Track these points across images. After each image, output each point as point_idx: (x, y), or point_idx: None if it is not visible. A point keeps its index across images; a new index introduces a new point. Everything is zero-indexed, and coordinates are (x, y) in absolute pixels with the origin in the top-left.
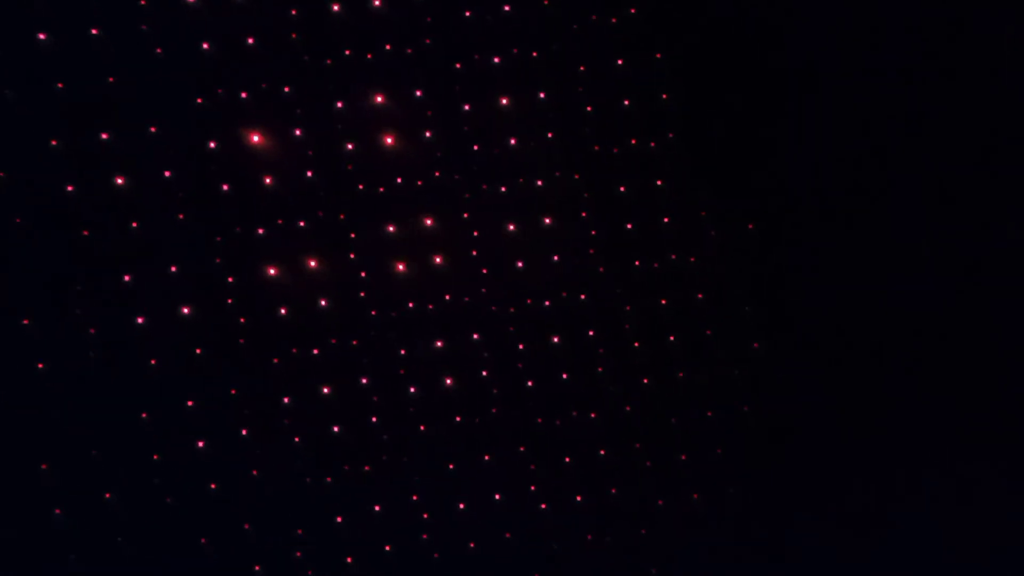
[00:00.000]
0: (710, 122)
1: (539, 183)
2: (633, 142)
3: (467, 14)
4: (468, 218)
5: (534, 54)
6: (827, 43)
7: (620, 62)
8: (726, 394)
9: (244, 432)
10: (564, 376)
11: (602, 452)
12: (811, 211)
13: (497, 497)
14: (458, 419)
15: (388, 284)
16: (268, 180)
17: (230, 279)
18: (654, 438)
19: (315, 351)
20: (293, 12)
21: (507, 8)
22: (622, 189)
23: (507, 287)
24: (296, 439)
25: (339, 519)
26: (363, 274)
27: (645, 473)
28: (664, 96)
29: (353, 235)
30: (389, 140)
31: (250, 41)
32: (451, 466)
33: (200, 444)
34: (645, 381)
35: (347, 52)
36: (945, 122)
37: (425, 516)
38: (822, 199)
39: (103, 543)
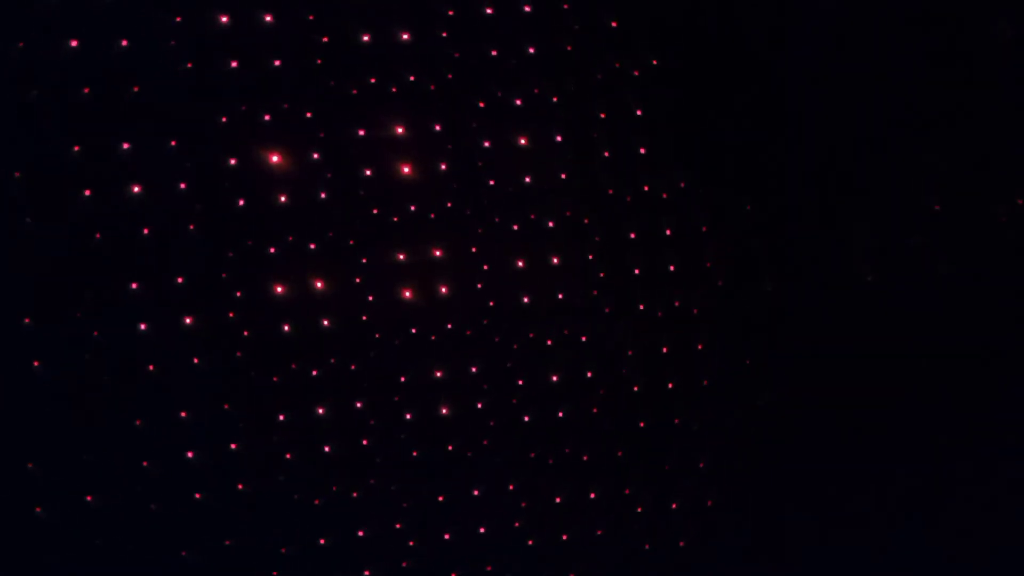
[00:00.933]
0: (723, 170)
1: (550, 223)
2: (646, 188)
3: (493, 53)
4: (477, 251)
5: (555, 99)
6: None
7: (639, 112)
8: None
9: (233, 446)
10: (560, 414)
11: (592, 495)
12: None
13: (482, 530)
14: (450, 448)
15: (392, 310)
16: (283, 198)
17: (237, 293)
18: (647, 483)
19: (314, 371)
20: (325, 39)
21: (531, 50)
22: (632, 235)
23: (510, 321)
24: (287, 455)
25: (322, 540)
26: (369, 298)
27: (635, 518)
28: (678, 143)
29: (363, 260)
30: (405, 169)
31: (276, 63)
32: (440, 497)
33: (189, 454)
34: (642, 425)
35: (372, 80)
36: (945, 122)
37: (410, 543)
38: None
39: (81, 546)
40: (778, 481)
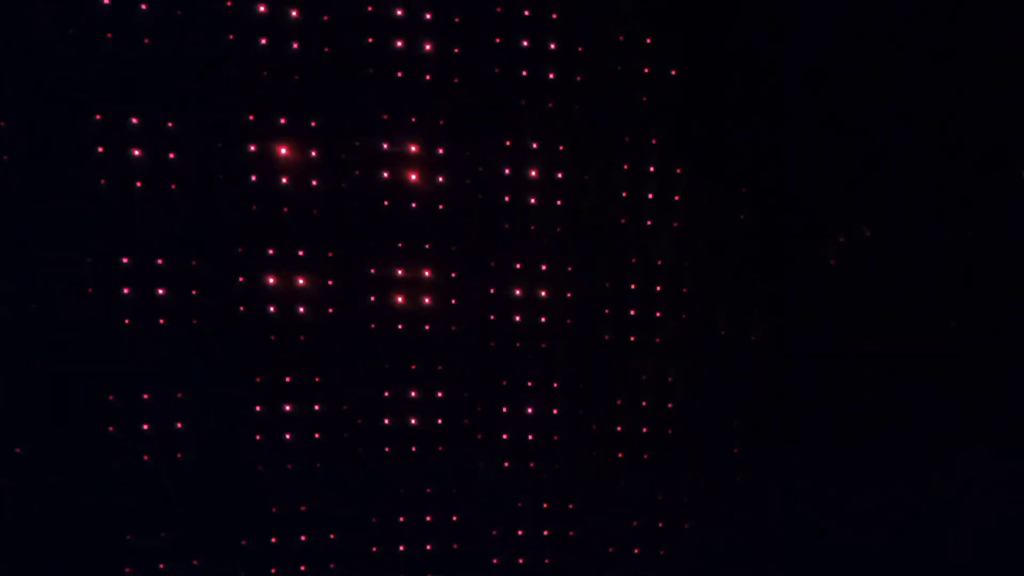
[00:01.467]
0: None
1: (548, 242)
2: (648, 223)
3: (494, 70)
4: (475, 267)
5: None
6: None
7: (654, 140)
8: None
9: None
10: (555, 437)
11: (570, 505)
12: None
13: (455, 546)
14: (437, 451)
15: (388, 321)
16: (285, 209)
17: (230, 289)
18: (639, 508)
19: (300, 372)
20: (371, 40)
21: (551, 75)
22: (633, 260)
23: (505, 341)
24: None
25: (303, 537)
26: (365, 302)
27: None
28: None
29: (360, 268)
30: (413, 177)
31: (296, 78)
32: (427, 518)
33: (173, 450)
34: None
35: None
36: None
37: (373, 549)
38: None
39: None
40: (777, 481)
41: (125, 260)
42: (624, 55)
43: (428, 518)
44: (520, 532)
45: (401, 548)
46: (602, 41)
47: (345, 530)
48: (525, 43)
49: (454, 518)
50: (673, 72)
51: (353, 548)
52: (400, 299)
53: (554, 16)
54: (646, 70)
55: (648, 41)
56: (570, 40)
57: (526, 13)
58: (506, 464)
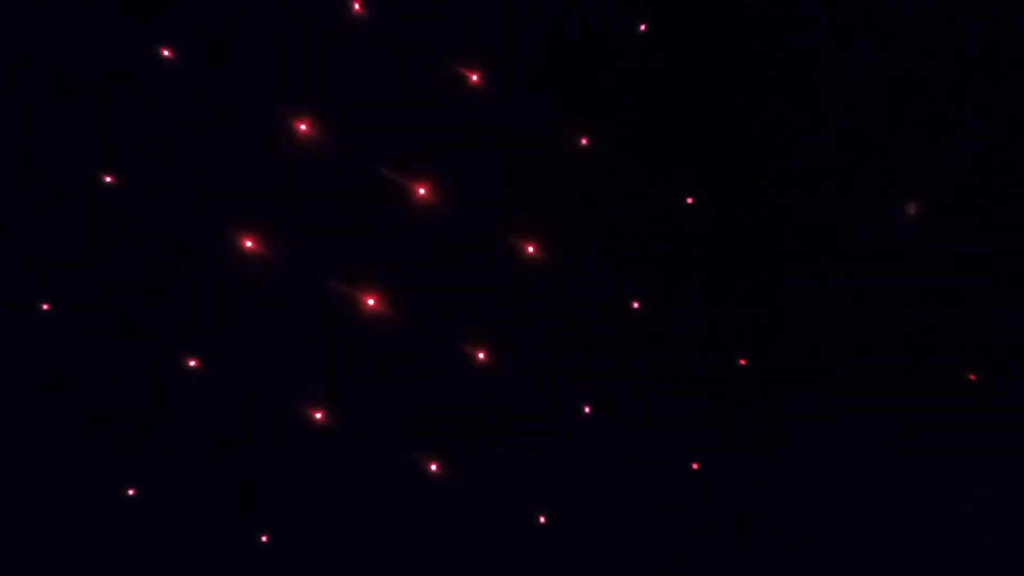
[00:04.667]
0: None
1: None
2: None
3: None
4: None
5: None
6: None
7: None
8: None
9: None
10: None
11: (542, 519)
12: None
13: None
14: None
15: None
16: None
17: (222, 280)
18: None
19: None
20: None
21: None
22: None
23: (497, 353)
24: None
25: (264, 538)
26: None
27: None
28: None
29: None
30: (421, 191)
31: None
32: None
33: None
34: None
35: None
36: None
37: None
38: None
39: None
40: (775, 481)
41: None
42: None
43: None
44: None
45: None
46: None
47: None
48: None
49: None
50: None
51: None
52: None
53: None
54: None
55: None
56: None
57: None
58: None
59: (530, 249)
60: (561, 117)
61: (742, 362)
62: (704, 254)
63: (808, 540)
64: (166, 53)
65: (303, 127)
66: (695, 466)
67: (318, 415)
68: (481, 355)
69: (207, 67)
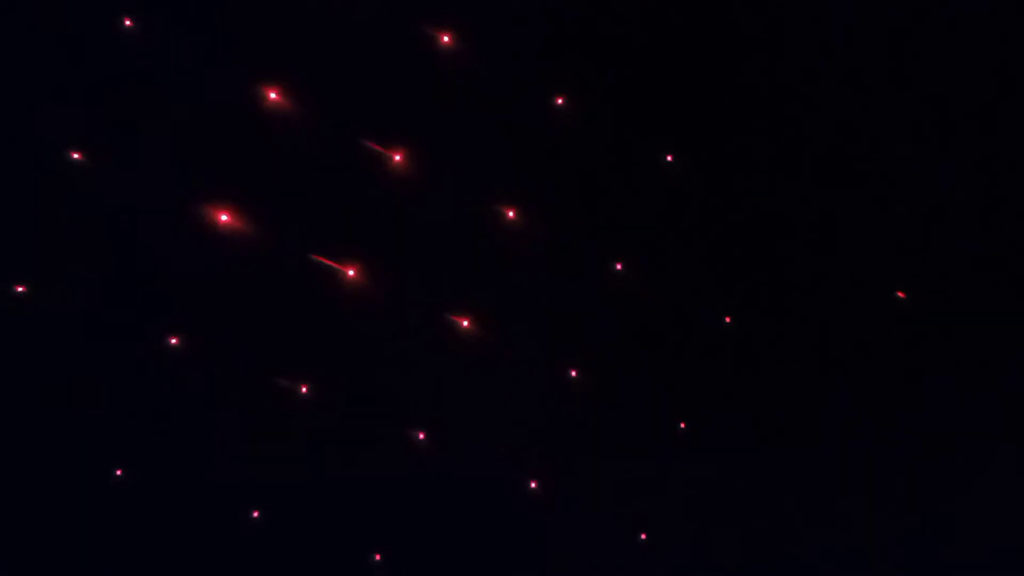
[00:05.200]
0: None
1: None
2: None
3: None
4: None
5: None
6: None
7: None
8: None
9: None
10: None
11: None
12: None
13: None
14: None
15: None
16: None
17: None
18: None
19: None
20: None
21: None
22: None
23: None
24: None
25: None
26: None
27: None
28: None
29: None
30: (397, 159)
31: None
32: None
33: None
34: None
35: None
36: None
37: None
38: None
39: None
40: (775, 481)
41: None
42: None
43: None
44: None
45: None
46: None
47: None
48: None
49: None
50: None
51: None
52: None
53: None
54: None
55: None
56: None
57: None
58: None
59: (510, 215)
60: (543, 81)
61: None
62: (692, 220)
63: (808, 539)
64: (128, 23)
65: (273, 96)
66: (683, 425)
67: (304, 390)
68: (465, 323)
69: (182, 39)
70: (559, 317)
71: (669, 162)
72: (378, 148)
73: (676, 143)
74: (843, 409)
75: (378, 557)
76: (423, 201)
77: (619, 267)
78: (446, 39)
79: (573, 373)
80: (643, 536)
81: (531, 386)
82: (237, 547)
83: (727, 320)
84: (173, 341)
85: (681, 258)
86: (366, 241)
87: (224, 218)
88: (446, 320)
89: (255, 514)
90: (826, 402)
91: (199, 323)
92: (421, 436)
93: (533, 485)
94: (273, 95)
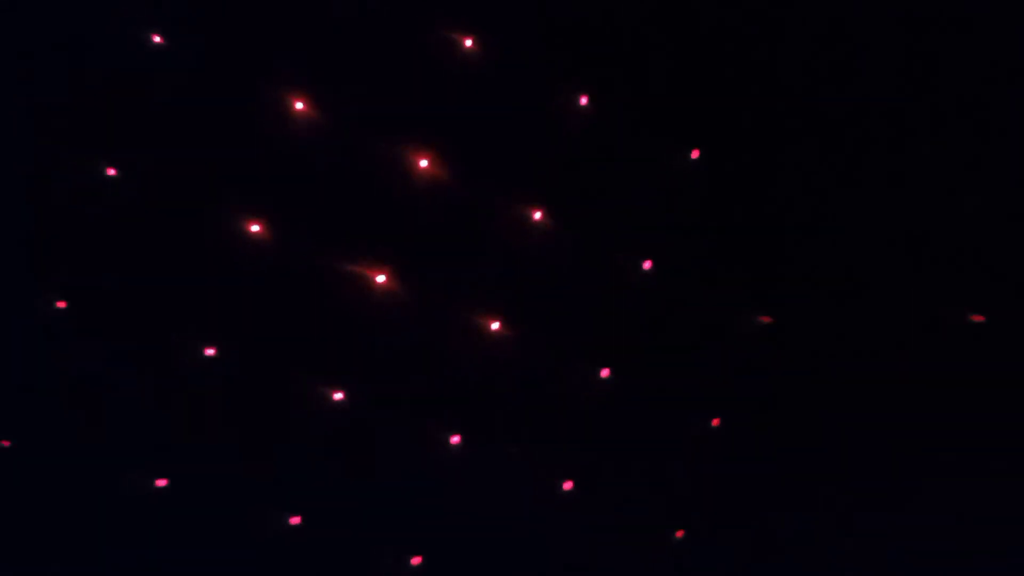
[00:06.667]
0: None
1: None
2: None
3: None
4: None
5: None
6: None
7: None
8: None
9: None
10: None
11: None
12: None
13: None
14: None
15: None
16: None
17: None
18: None
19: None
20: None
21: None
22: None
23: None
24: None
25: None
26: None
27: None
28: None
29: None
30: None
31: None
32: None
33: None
34: None
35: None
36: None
37: None
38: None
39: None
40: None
41: None
42: None
43: None
44: None
45: None
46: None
47: None
48: None
49: None
50: None
51: None
52: None
53: None
54: None
55: None
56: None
57: None
58: None
59: (537, 215)
60: (560, 78)
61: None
62: (714, 216)
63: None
64: (157, 40)
65: (299, 105)
66: (715, 423)
67: (337, 396)
68: (495, 326)
69: (193, 47)
70: (588, 317)
71: (695, 159)
72: (402, 150)
73: (705, 140)
74: (876, 412)
75: (416, 560)
76: (448, 203)
77: (647, 266)
78: (467, 41)
79: (605, 373)
80: (678, 534)
81: (562, 386)
82: (278, 552)
83: (761, 319)
84: (209, 352)
85: (712, 257)
86: (393, 246)
87: (254, 228)
88: (475, 322)
89: (293, 520)
90: (860, 403)
91: (226, 332)
92: (455, 440)
93: (568, 486)
94: (299, 104)
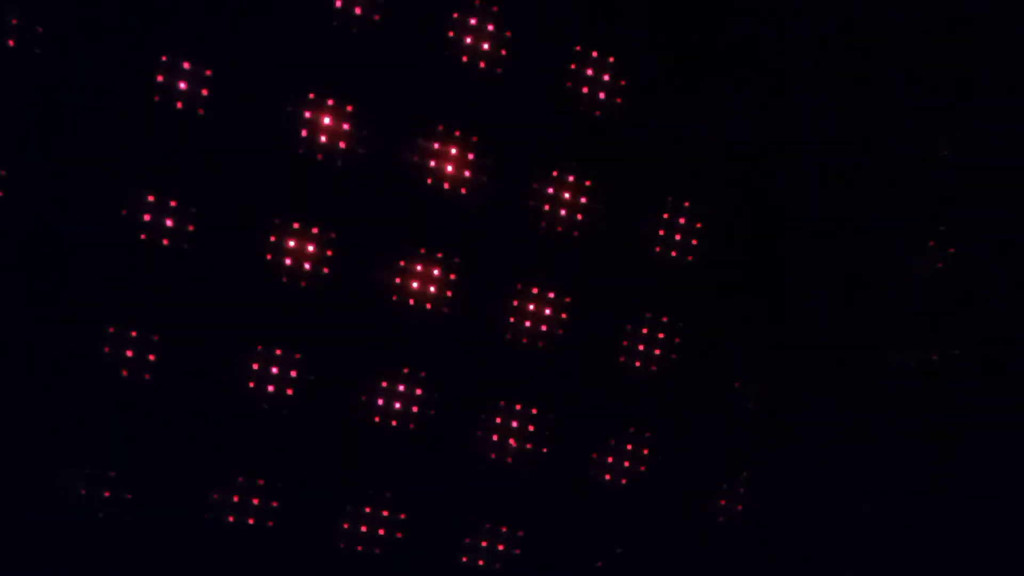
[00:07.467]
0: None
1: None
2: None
3: None
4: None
5: None
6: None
7: None
8: None
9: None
10: None
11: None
12: None
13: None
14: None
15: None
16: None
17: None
18: None
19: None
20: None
21: None
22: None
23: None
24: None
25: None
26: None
27: None
28: None
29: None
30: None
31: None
32: None
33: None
34: None
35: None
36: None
37: None
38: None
39: None
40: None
41: None
42: None
43: None
44: None
45: None
46: None
47: None
48: None
49: None
50: None
51: None
52: None
53: None
54: None
55: None
56: None
57: None
58: None
59: (563, 212)
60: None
61: None
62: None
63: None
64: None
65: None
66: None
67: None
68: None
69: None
70: (630, 312)
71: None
72: (437, 146)
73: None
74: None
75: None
76: (484, 200)
77: (690, 259)
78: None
79: (654, 369)
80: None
81: (604, 380)
82: (335, 552)
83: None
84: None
85: (751, 251)
86: (430, 246)
87: (291, 243)
88: (512, 319)
89: (345, 526)
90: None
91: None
92: (512, 443)
93: (624, 482)
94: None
